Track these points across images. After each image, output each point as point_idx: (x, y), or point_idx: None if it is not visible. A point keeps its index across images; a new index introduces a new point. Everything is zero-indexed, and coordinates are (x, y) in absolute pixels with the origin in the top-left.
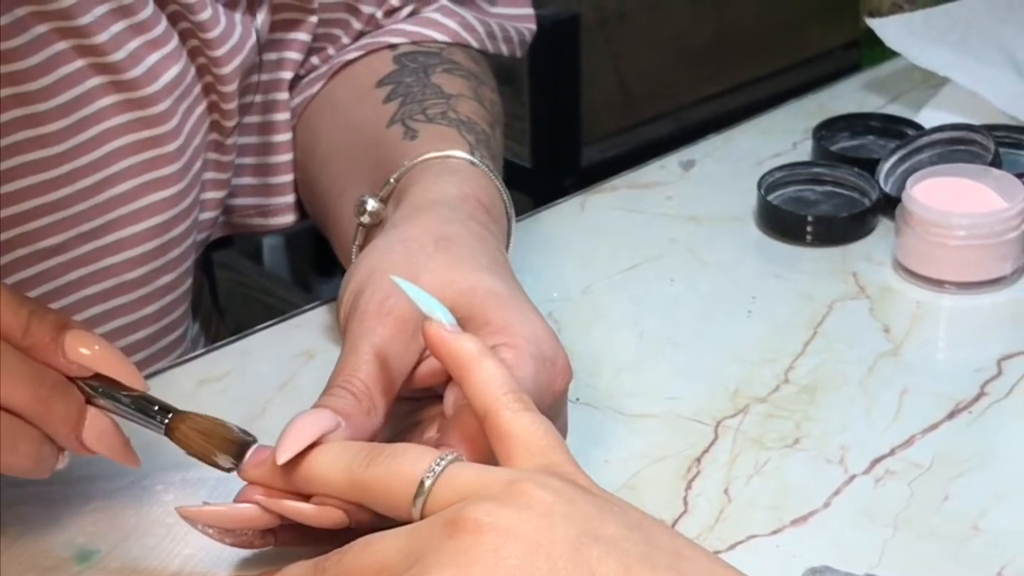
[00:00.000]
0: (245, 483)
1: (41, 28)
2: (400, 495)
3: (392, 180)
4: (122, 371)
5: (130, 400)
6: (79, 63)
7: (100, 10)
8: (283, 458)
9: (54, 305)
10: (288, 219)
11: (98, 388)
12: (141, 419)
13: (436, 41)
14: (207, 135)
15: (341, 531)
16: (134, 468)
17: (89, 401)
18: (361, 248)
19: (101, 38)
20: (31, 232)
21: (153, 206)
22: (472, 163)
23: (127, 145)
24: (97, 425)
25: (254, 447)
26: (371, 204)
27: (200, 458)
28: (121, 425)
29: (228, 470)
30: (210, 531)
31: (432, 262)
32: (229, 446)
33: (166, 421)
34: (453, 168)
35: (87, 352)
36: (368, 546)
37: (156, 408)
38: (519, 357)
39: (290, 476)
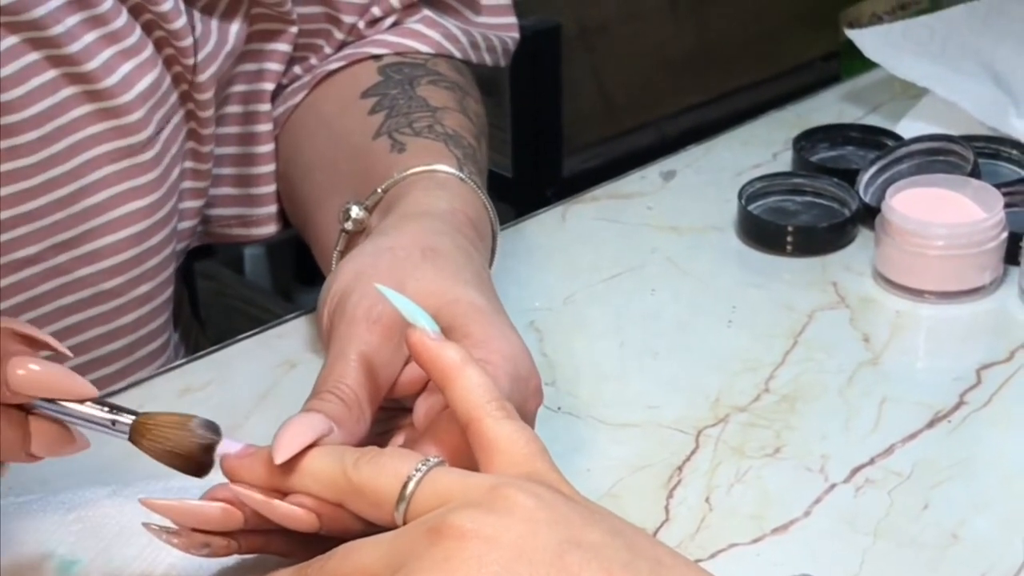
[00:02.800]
0: (215, 484)
1: (12, 39)
2: (384, 496)
3: (379, 191)
4: (65, 389)
5: (79, 411)
6: (52, 73)
7: (72, 20)
8: (280, 458)
9: (30, 315)
10: (270, 229)
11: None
12: (91, 426)
13: (419, 52)
14: (184, 144)
15: (309, 541)
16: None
17: (31, 411)
18: (343, 254)
19: (74, 48)
20: (6, 243)
21: (130, 216)
22: (460, 179)
23: (103, 155)
24: (43, 436)
25: (221, 446)
26: (355, 211)
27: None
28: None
29: (202, 462)
30: (175, 541)
31: (418, 271)
32: (194, 449)
33: (127, 426)
34: (441, 182)
35: (24, 374)
36: (351, 552)
37: (109, 411)
38: (495, 375)
39: (274, 474)
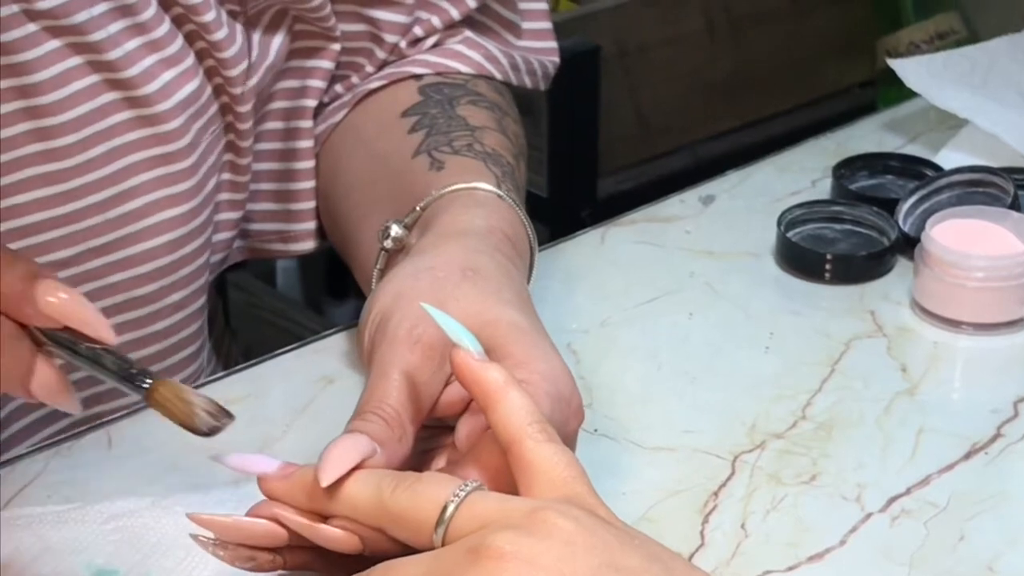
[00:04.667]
0: (260, 501)
1: (55, 43)
2: (422, 522)
3: (418, 208)
4: (90, 323)
5: (92, 353)
6: (93, 78)
7: (114, 27)
8: (326, 481)
9: None
10: (308, 245)
11: (56, 336)
12: (103, 373)
13: (460, 72)
14: (223, 155)
15: (354, 560)
16: (74, 412)
17: (41, 346)
18: (383, 272)
19: (115, 54)
20: (39, 245)
21: (165, 223)
22: (499, 196)
23: (140, 161)
24: (44, 377)
25: (256, 463)
26: (395, 230)
27: (179, 422)
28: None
29: (206, 434)
30: (221, 554)
31: (459, 291)
32: (209, 410)
33: (145, 384)
34: (480, 200)
35: (55, 301)
36: (390, 571)
37: (129, 368)
38: (537, 395)
39: (313, 496)
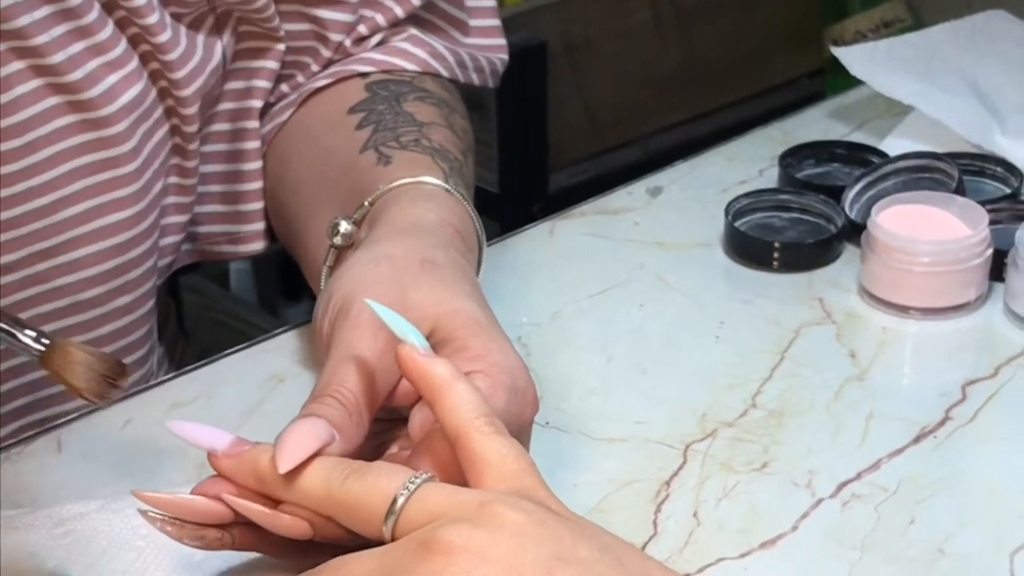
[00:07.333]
0: (206, 478)
1: None
2: (372, 513)
3: (366, 203)
4: None
5: None
6: (36, 83)
7: (57, 31)
8: (285, 467)
9: None
10: (258, 246)
11: None
12: None
13: (405, 70)
14: (168, 158)
15: (303, 543)
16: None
17: None
18: (332, 269)
19: (58, 58)
20: None
21: (110, 227)
22: (447, 191)
23: (84, 166)
24: None
25: (209, 436)
26: (344, 226)
27: (73, 390)
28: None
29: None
30: (169, 530)
31: (419, 281)
32: (108, 372)
33: (40, 347)
34: (429, 194)
35: None
36: (340, 568)
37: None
38: (494, 387)
39: (262, 479)
